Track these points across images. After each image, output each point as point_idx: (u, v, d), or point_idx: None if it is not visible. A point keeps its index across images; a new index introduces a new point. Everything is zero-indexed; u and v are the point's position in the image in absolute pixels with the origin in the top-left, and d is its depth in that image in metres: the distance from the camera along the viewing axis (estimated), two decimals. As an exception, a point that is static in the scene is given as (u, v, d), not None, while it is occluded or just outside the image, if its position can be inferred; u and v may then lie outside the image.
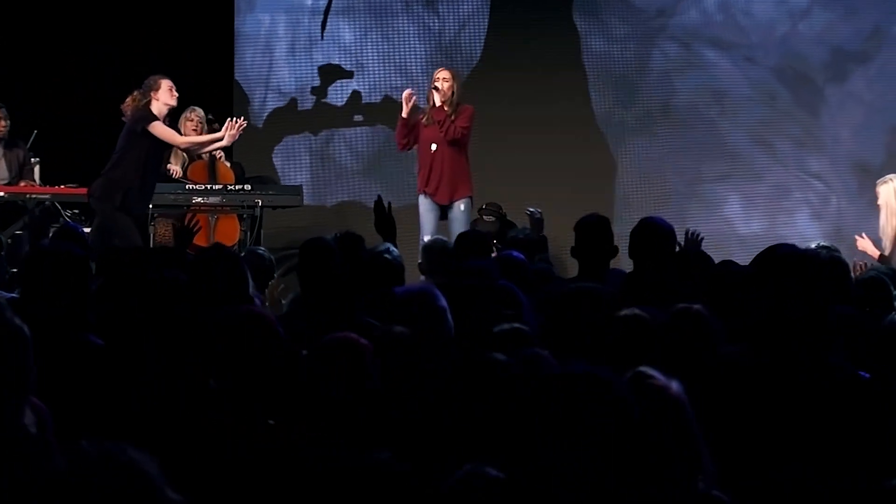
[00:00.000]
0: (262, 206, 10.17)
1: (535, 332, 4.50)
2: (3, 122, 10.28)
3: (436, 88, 9.39)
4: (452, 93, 9.38)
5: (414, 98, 9.42)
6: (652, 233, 5.67)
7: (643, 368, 2.85)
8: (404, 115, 9.36)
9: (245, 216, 10.32)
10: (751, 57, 11.95)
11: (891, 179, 8.56)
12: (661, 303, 4.76)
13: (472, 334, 4.37)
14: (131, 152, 8.72)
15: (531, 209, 7.28)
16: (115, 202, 8.66)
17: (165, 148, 9.16)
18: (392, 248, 5.38)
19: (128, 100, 8.92)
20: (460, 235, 6.86)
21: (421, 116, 9.45)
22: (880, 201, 8.48)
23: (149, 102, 8.77)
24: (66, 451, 1.98)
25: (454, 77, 9.50)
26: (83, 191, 9.88)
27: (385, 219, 5.93)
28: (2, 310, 2.78)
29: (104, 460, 1.96)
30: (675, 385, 2.85)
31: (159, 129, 8.75)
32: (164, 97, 8.78)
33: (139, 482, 1.97)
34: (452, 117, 9.33)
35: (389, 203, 6.10)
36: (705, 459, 2.80)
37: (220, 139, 9.17)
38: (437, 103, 9.37)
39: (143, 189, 8.84)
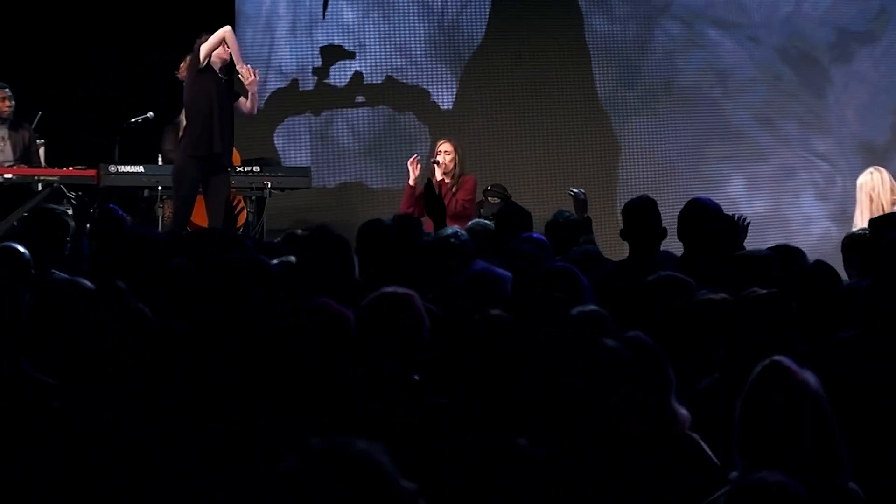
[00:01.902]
0: (270, 188, 10.10)
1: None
2: (7, 103, 10.12)
3: (436, 163, 9.30)
4: (454, 165, 9.30)
5: (419, 163, 9.32)
6: (699, 213, 5.67)
7: (779, 359, 2.76)
8: (411, 182, 9.21)
9: (253, 198, 10.24)
10: (754, 37, 11.91)
11: (869, 173, 8.52)
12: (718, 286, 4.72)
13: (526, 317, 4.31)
14: (199, 95, 8.73)
15: (574, 190, 7.23)
16: (198, 150, 8.64)
17: (230, 88, 9.03)
18: (459, 231, 5.33)
19: (181, 65, 8.90)
20: (501, 212, 6.79)
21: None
22: (858, 196, 8.40)
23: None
24: (294, 448, 1.94)
25: (455, 149, 9.38)
26: (91, 172, 9.82)
27: (435, 202, 5.90)
28: (125, 296, 2.71)
29: (335, 455, 1.94)
30: (812, 378, 2.77)
31: (205, 46, 8.70)
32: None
33: (372, 474, 1.95)
34: (454, 190, 9.21)
35: (440, 188, 6.07)
36: (842, 453, 2.72)
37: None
38: (439, 177, 9.20)
39: (223, 129, 8.77)
